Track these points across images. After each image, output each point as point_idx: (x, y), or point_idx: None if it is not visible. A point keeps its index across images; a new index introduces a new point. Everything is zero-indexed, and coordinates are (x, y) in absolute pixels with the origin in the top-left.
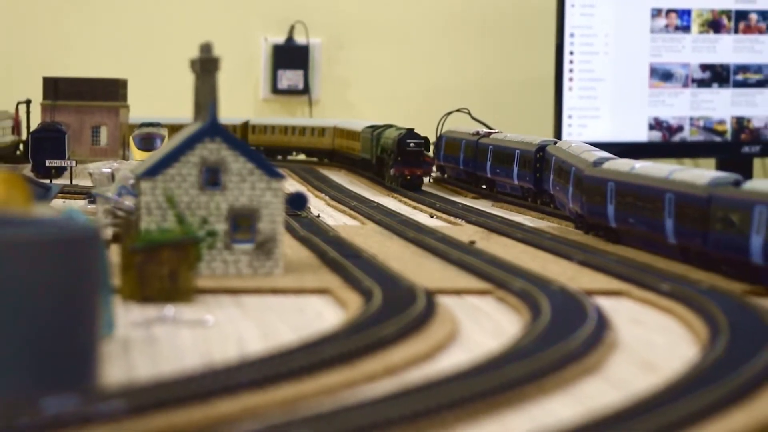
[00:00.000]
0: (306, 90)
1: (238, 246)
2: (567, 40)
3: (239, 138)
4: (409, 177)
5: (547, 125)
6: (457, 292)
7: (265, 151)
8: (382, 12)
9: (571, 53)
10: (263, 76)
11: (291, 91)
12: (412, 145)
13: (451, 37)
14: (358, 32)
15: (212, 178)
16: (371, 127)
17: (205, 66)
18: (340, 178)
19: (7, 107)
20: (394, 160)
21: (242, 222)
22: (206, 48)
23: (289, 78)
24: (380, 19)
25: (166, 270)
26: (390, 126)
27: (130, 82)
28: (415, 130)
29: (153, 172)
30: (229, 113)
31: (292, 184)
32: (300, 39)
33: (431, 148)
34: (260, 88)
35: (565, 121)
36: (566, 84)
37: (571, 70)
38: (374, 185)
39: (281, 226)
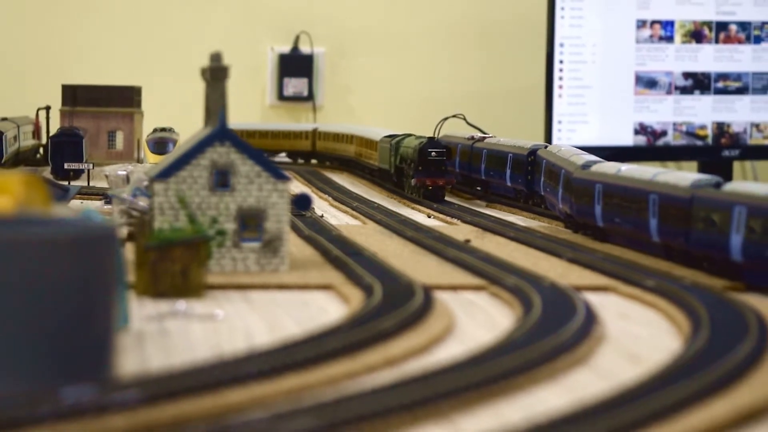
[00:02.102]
0: (310, 97)
1: (246, 244)
2: (557, 49)
3: (309, 144)
4: (431, 187)
5: (538, 130)
6: (453, 288)
7: (331, 159)
8: (382, 23)
9: (561, 62)
10: (270, 84)
11: (296, 98)
12: (433, 154)
13: (448, 46)
14: (359, 42)
15: (222, 180)
16: (389, 136)
17: (215, 74)
18: (342, 180)
19: (28, 113)
20: (415, 170)
21: (250, 221)
22: (216, 57)
23: (295, 85)
24: (380, 30)
25: (178, 267)
26: (409, 135)
27: (144, 89)
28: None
29: (166, 174)
30: (238, 119)
31: (297, 186)
32: (305, 48)
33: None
34: (267, 94)
35: (555, 126)
36: (556, 91)
37: (560, 78)
38: (374, 186)
39: (287, 225)
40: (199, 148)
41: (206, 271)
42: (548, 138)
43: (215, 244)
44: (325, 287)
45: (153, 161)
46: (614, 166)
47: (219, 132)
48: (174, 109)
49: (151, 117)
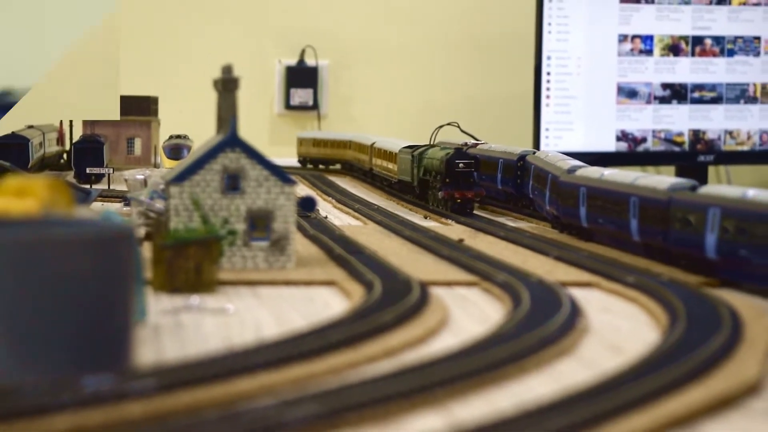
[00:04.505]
0: (315, 106)
1: (255, 243)
2: (544, 62)
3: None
4: (459, 200)
5: (527, 137)
6: (448, 284)
7: (354, 169)
8: (382, 37)
9: (548, 73)
10: (277, 94)
11: (302, 107)
12: (461, 165)
13: (443, 58)
14: (361, 55)
15: (233, 183)
16: (410, 147)
17: (227, 85)
18: (345, 183)
19: (52, 122)
20: (442, 182)
21: (259, 222)
22: (227, 69)
23: (300, 95)
24: (380, 44)
25: (192, 264)
26: (433, 146)
27: (161, 99)
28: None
29: (181, 178)
30: (247, 128)
31: (303, 189)
32: (310, 61)
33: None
34: (275, 104)
35: (543, 133)
36: (544, 101)
37: (548, 89)
38: (375, 189)
39: (293, 225)
40: (211, 154)
41: (218, 268)
42: (536, 144)
43: (226, 243)
44: (329, 283)
45: (169, 166)
46: (597, 171)
47: (230, 139)
48: (188, 117)
49: (168, 125)
